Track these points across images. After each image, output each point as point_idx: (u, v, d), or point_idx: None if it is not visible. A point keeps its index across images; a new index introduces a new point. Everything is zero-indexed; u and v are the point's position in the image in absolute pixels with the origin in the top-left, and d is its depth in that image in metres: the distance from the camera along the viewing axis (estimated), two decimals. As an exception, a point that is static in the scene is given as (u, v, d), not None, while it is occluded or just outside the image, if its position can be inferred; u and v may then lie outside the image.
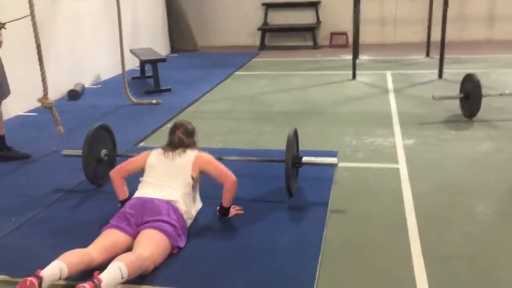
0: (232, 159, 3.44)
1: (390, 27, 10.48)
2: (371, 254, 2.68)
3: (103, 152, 3.58)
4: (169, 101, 6.12)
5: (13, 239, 2.88)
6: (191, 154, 3.00)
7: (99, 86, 7.22)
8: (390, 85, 6.68)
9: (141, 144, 4.65)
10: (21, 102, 5.74)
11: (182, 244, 2.71)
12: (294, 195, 3.32)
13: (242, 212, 3.11)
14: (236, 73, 7.94)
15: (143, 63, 7.26)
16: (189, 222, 2.92)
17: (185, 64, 8.82)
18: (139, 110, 5.78)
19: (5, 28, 3.87)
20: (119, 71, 7.82)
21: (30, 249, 2.76)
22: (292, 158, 3.27)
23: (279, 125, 5.08)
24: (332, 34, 10.41)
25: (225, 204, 3.01)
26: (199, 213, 3.08)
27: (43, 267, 2.29)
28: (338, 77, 7.33)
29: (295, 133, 3.38)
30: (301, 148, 4.04)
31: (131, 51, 7.43)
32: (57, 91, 6.41)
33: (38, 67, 6.07)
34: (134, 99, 6.01)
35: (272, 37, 10.91)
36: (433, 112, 5.26)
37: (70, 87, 6.51)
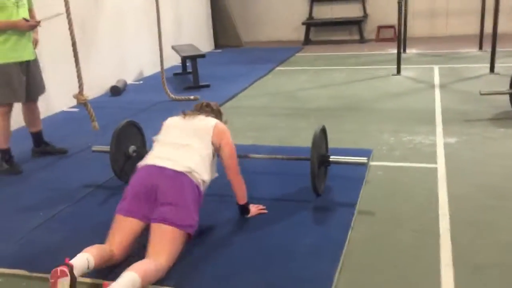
0: (258, 157, 3.36)
1: (442, 19, 10.04)
2: (397, 259, 2.53)
3: (132, 148, 3.58)
4: (207, 96, 6.07)
5: (37, 234, 2.92)
6: (212, 120, 2.90)
7: (141, 82, 7.32)
8: (437, 80, 6.38)
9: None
10: (65, 98, 5.88)
11: (195, 224, 2.56)
12: (321, 194, 3.20)
13: (265, 211, 3.02)
14: (277, 68, 7.84)
15: (184, 59, 7.29)
16: (203, 189, 2.72)
17: (227, 60, 8.81)
18: (176, 106, 5.78)
19: (40, 26, 3.94)
20: (164, 66, 7.97)
21: (52, 245, 2.79)
22: (319, 157, 3.14)
23: (315, 122, 4.92)
24: (379, 27, 10.10)
25: (239, 201, 2.91)
26: (218, 212, 3.02)
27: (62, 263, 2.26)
28: (382, 71, 7.08)
29: (323, 131, 3.25)
30: (336, 145, 3.96)
31: (173, 48, 7.47)
32: (100, 87, 6.57)
33: (81, 64, 6.25)
34: (172, 95, 6.04)
35: (317, 31, 10.72)
36: (480, 109, 4.96)
37: (113, 83, 6.63)
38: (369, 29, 10.40)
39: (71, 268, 2.17)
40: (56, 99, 5.71)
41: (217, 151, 2.87)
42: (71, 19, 4.29)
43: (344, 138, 4.38)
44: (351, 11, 10.42)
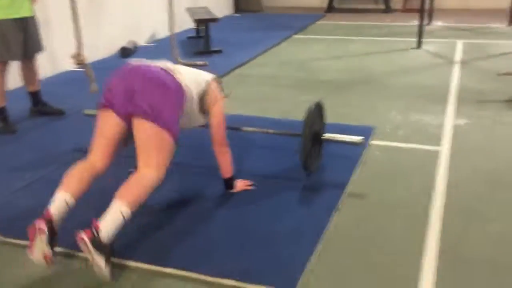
0: (248, 130, 3.22)
1: (473, -9, 9.55)
2: (379, 246, 2.40)
3: (124, 113, 3.49)
4: (217, 62, 5.95)
5: (18, 196, 2.88)
6: (210, 76, 2.79)
7: (153, 44, 7.18)
8: (458, 56, 6.07)
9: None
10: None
11: (177, 129, 2.43)
12: (313, 173, 3.07)
13: (251, 188, 2.91)
14: (294, 36, 7.59)
15: (198, 23, 7.10)
16: (185, 100, 2.52)
17: (245, 25, 8.58)
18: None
19: None
20: (177, 30, 7.79)
21: (31, 209, 2.73)
22: (312, 134, 2.99)
23: (322, 94, 4.73)
24: (405, -3, 9.67)
25: (224, 174, 2.79)
26: (204, 184, 2.92)
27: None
28: (402, 44, 6.78)
29: (318, 106, 3.09)
30: (338, 121, 3.81)
31: (188, 10, 7.28)
32: (110, 47, 6.46)
33: (91, 24, 6.14)
34: (180, 59, 5.90)
35: (341, -2, 10.34)
36: (498, 89, 4.69)
37: (124, 44, 6.51)
38: (397, -2, 9.98)
39: (50, 222, 2.12)
40: (63, 58, 5.62)
41: (205, 111, 2.72)
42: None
43: (348, 113, 4.21)
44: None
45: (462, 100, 4.46)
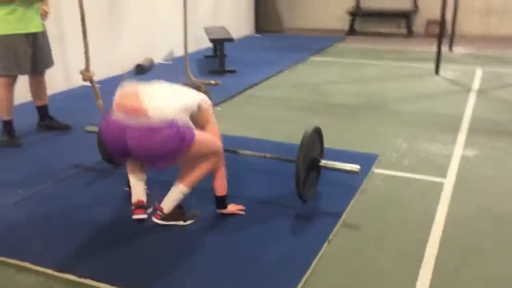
0: (245, 153, 3.17)
1: (496, 18, 9.36)
2: (369, 282, 2.30)
3: (124, 132, 3.48)
4: (229, 82, 5.95)
5: (8, 212, 2.87)
6: (201, 94, 2.75)
7: (171, 62, 7.23)
8: (476, 84, 5.92)
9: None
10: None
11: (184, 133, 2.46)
12: (308, 201, 2.98)
13: (242, 213, 2.84)
14: (311, 58, 7.55)
15: (214, 42, 7.13)
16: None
17: (263, 46, 8.58)
18: (196, 90, 5.67)
19: None
20: (195, 48, 7.87)
21: (17, 226, 2.73)
22: (308, 160, 2.92)
23: (330, 119, 4.69)
24: (428, 22, 9.54)
25: (217, 192, 2.74)
26: (196, 206, 2.87)
27: (26, 246, 2.49)
28: (419, 70, 6.67)
29: (316, 132, 3.02)
30: (342, 147, 3.77)
31: (205, 29, 7.33)
32: (128, 64, 6.52)
33: (109, 40, 6.23)
34: (193, 78, 5.91)
35: (363, 22, 10.27)
36: (513, 120, 4.55)
37: (140, 61, 6.57)
38: (419, 23, 9.86)
39: (143, 206, 2.65)
40: (77, 73, 5.66)
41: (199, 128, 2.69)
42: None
43: (355, 139, 4.12)
44: (402, 3, 9.89)
45: (475, 130, 4.33)
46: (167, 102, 2.48)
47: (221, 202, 2.78)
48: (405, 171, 3.51)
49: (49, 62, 4.10)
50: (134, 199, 2.71)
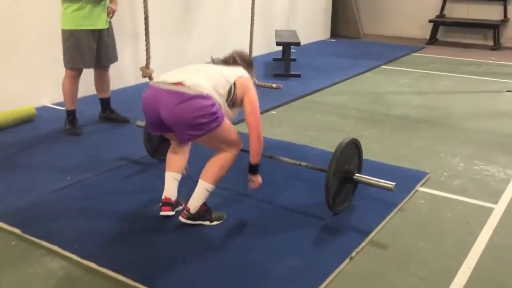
0: (279, 159, 3.14)
1: None
2: (380, 307, 2.19)
3: (170, 129, 3.58)
4: (291, 86, 5.92)
5: (51, 198, 3.06)
6: (239, 70, 2.81)
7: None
8: (559, 104, 5.45)
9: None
10: (157, 72, 6.12)
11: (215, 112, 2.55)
12: (339, 213, 2.90)
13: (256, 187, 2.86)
14: (383, 66, 7.32)
15: (281, 46, 7.13)
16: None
17: (336, 51, 8.45)
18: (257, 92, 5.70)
19: None
20: (268, 50, 7.91)
21: (57, 211, 2.90)
22: (341, 172, 2.84)
23: (386, 131, 4.52)
24: (518, 35, 8.91)
25: (251, 159, 2.76)
26: (220, 207, 2.89)
27: (59, 231, 2.63)
28: (498, 85, 6.24)
29: (352, 144, 2.92)
30: (394, 161, 3.74)
31: (275, 31, 7.34)
32: (197, 62, 6.70)
33: (179, 39, 6.43)
34: (256, 80, 5.95)
35: (447, 31, 9.78)
36: None
37: (208, 61, 6.73)
38: (508, 36, 9.24)
39: (170, 203, 2.80)
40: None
41: (238, 104, 2.77)
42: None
43: (408, 154, 3.94)
44: (491, 13, 9.30)
45: (544, 154, 3.99)
46: (204, 79, 2.61)
47: (253, 168, 2.77)
48: (453, 192, 3.31)
49: (112, 58, 4.31)
50: (163, 195, 2.79)
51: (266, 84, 5.92)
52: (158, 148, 3.55)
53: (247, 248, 2.58)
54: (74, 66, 4.07)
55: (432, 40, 9.56)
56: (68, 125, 4.20)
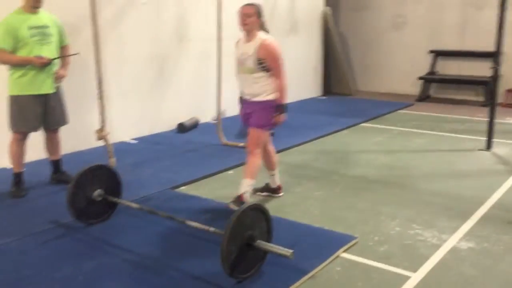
0: (192, 224, 3.09)
1: None
2: None
3: (98, 192, 3.59)
4: (258, 146, 5.90)
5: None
6: (256, 42, 3.71)
7: (215, 121, 7.36)
8: (529, 164, 5.26)
9: (182, 188, 4.55)
10: (131, 130, 6.25)
11: (268, 124, 3.97)
12: (242, 281, 2.81)
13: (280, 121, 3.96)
14: (363, 124, 7.27)
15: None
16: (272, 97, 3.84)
17: (321, 109, 8.47)
18: (221, 151, 5.73)
19: (49, 64, 4.15)
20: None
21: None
22: (242, 239, 2.77)
23: (336, 192, 4.43)
24: (508, 91, 8.78)
25: (277, 100, 3.80)
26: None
27: None
28: (472, 143, 6.11)
29: (254, 210, 2.87)
30: (328, 224, 3.70)
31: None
32: (171, 122, 6.80)
33: (147, 100, 6.57)
34: (224, 140, 5.98)
35: (440, 88, 9.74)
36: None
37: (185, 120, 6.82)
38: (499, 92, 9.08)
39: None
40: (119, 130, 6.02)
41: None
42: (100, 60, 4.53)
43: (345, 217, 3.84)
44: (483, 70, 9.22)
45: (489, 218, 3.82)
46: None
47: (278, 107, 3.86)
48: (375, 259, 3.17)
49: (61, 121, 4.41)
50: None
51: (232, 143, 5.94)
52: (86, 211, 3.56)
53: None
54: (18, 130, 4.18)
55: (423, 96, 9.51)
56: (14, 187, 4.27)
